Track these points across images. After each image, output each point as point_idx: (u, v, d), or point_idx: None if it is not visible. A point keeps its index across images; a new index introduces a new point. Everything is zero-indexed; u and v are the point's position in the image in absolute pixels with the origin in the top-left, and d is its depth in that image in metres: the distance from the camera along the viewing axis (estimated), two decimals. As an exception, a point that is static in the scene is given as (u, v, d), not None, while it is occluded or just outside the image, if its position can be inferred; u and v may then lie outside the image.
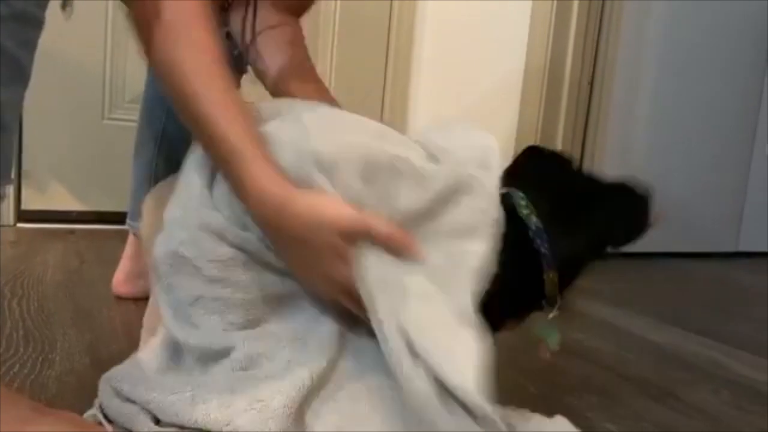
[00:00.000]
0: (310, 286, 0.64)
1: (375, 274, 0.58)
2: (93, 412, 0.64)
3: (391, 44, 2.16)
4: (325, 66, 2.04)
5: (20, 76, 0.55)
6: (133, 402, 0.61)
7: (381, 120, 2.13)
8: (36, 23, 0.55)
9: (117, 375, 0.65)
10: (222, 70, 0.62)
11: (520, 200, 0.67)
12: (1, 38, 0.51)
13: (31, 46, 0.55)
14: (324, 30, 2.05)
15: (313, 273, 0.61)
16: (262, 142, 0.61)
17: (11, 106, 0.54)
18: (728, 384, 0.94)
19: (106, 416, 0.62)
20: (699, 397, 0.87)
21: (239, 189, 0.60)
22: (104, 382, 0.66)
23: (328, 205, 0.59)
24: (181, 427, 0.57)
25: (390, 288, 0.58)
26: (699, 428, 0.77)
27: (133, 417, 0.59)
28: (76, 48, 1.70)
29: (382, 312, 0.57)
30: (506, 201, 0.67)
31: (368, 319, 0.58)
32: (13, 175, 1.81)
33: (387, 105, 2.18)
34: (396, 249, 0.58)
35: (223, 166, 0.62)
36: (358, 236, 0.58)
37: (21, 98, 0.55)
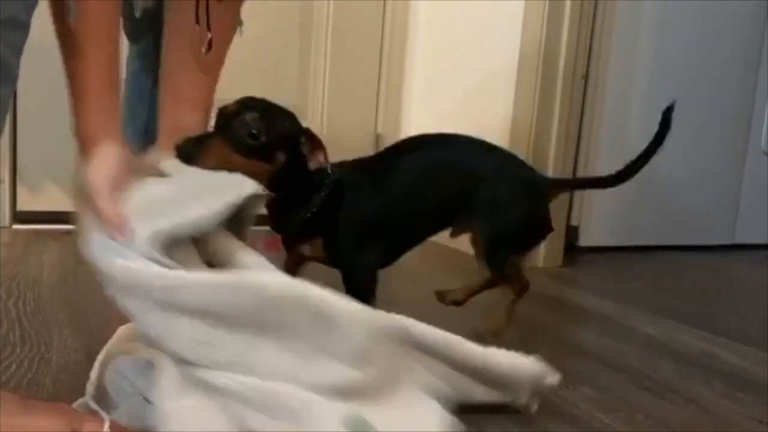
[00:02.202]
0: None
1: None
2: (85, 399, 0.65)
3: (386, 37, 2.18)
4: (319, 56, 2.07)
5: (10, 78, 0.57)
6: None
7: (376, 110, 2.16)
8: (24, 27, 0.57)
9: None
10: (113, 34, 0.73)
11: None
12: None
13: (19, 49, 0.57)
14: (318, 17, 2.06)
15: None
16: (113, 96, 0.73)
17: (3, 106, 0.57)
18: (721, 375, 0.94)
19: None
20: (692, 388, 0.88)
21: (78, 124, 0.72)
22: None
23: (100, 160, 0.68)
24: None
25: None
26: (691, 419, 0.78)
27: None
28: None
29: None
30: None
31: None
32: (8, 176, 1.81)
33: (382, 97, 2.20)
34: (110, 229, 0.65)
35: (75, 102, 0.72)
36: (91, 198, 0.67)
37: (8, 99, 0.58)
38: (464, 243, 1.02)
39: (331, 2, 2.07)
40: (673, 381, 0.90)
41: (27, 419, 0.55)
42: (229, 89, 0.99)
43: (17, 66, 0.58)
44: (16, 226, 1.73)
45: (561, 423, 0.73)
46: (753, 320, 1.31)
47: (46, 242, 1.55)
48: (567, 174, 1.73)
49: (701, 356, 1.03)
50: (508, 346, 1.01)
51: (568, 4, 1.66)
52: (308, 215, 0.85)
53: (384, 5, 2.15)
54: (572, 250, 1.84)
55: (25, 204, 1.77)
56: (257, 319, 0.62)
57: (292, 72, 2.05)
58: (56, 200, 1.79)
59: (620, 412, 0.78)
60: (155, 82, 1.08)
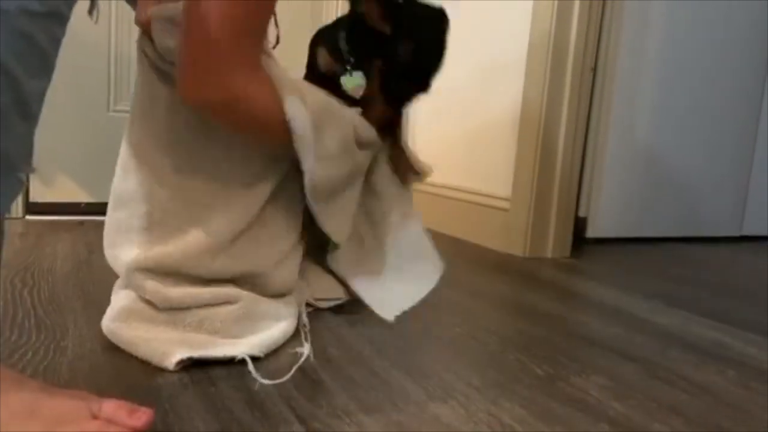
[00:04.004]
0: None
1: None
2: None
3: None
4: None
5: (48, 69, 0.59)
6: None
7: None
8: (64, 21, 0.59)
9: None
10: None
11: None
12: (35, 33, 0.55)
13: (58, 42, 0.59)
14: (327, 15, 2.05)
15: None
16: None
17: (39, 97, 0.58)
18: (734, 364, 0.94)
19: None
20: (705, 377, 0.88)
21: None
22: None
23: None
24: None
25: None
26: (706, 408, 0.78)
27: None
28: (81, 39, 1.71)
29: None
30: None
31: None
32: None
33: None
34: None
35: None
36: None
37: (46, 90, 0.60)
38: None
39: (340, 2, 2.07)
40: (686, 370, 0.90)
41: (48, 400, 0.56)
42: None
43: (56, 58, 0.59)
44: (28, 217, 1.74)
45: (574, 410, 0.74)
46: (764, 311, 1.31)
47: (59, 233, 1.56)
48: (576, 162, 1.72)
49: (714, 346, 1.03)
50: (517, 333, 1.02)
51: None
52: None
53: None
54: (580, 241, 1.84)
55: (37, 195, 1.78)
56: None
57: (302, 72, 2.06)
58: (68, 191, 1.80)
59: (634, 401, 0.78)
60: None
